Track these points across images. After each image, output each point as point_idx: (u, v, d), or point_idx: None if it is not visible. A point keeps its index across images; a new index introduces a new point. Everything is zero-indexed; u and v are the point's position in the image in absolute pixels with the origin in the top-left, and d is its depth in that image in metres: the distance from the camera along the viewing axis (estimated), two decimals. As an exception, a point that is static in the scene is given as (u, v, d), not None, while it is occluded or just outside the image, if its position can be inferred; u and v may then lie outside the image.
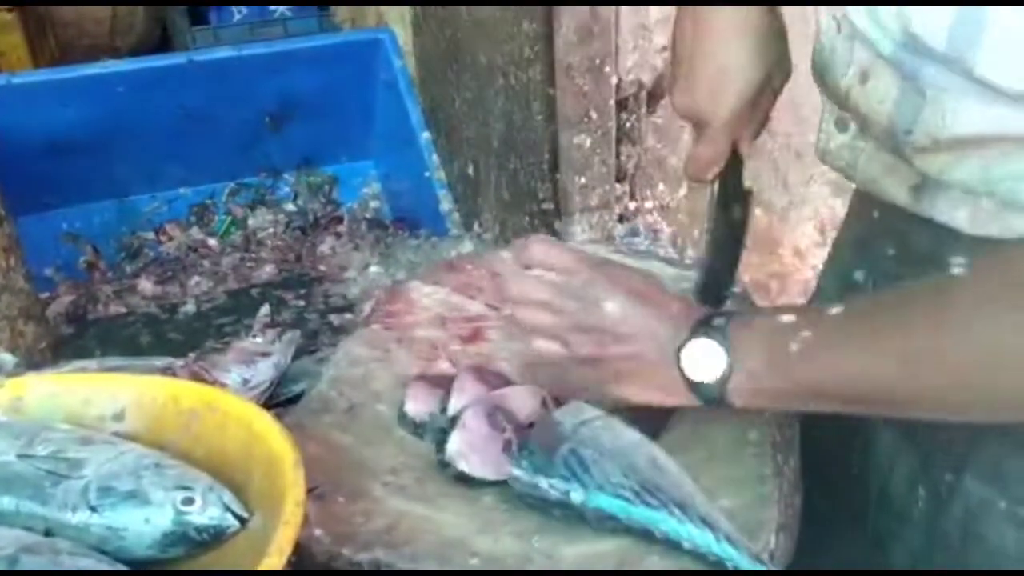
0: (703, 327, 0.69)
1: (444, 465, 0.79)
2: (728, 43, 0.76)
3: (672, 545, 0.67)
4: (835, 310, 0.65)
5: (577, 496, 0.70)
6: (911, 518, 0.78)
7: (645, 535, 0.69)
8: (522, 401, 0.83)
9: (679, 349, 0.69)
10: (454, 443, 0.78)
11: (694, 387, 0.69)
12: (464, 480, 0.78)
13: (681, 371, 0.69)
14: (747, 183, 0.83)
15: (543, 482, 0.71)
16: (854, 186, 0.88)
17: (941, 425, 0.67)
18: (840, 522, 0.82)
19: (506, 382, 0.87)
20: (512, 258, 0.76)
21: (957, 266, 0.62)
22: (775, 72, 0.79)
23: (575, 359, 0.74)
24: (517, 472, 0.72)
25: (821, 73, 0.73)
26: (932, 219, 0.70)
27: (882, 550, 0.82)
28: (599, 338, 0.72)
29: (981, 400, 0.61)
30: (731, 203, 0.82)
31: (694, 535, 0.66)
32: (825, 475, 0.80)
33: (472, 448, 0.78)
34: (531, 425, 0.80)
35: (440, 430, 0.81)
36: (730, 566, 0.65)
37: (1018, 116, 0.60)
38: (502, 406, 0.81)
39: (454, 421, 0.80)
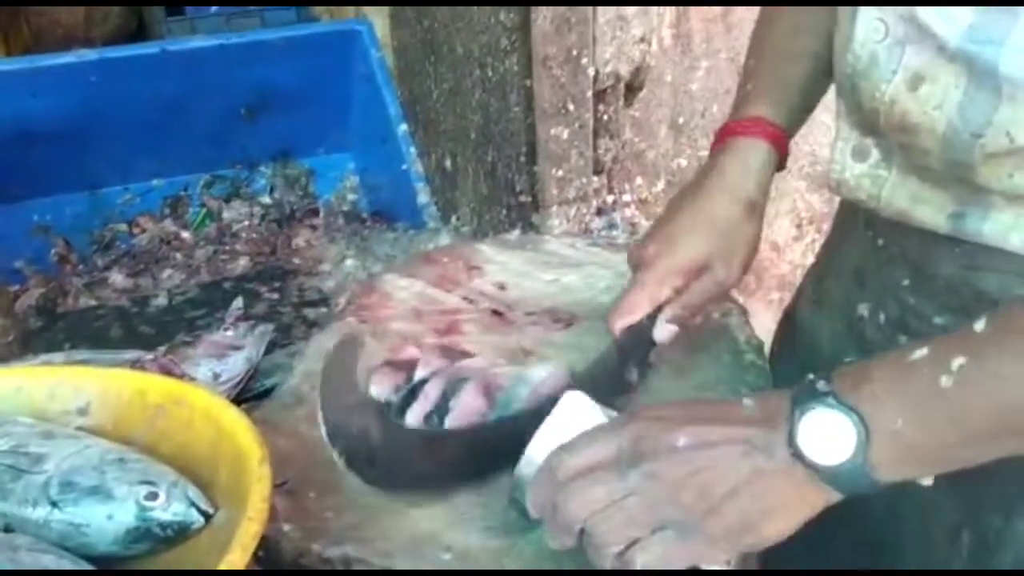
0: (805, 400, 0.58)
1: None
2: (694, 218, 0.82)
3: None
4: (979, 326, 0.55)
5: None
6: (952, 566, 0.74)
7: None
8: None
9: (790, 439, 0.57)
10: (450, 421, 0.77)
11: (828, 475, 0.57)
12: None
13: (805, 463, 0.57)
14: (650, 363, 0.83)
15: None
16: (837, 208, 0.86)
17: (991, 468, 0.60)
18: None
19: (470, 358, 0.87)
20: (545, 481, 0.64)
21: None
22: (718, 266, 0.81)
23: (685, 529, 0.60)
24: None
25: (852, 88, 0.70)
26: (979, 244, 0.66)
27: None
28: (696, 491, 0.59)
29: None
30: (627, 363, 0.82)
31: None
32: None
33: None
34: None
35: (400, 400, 0.81)
36: None
37: None
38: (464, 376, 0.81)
39: (416, 390, 0.80)
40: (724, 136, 0.84)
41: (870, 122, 0.70)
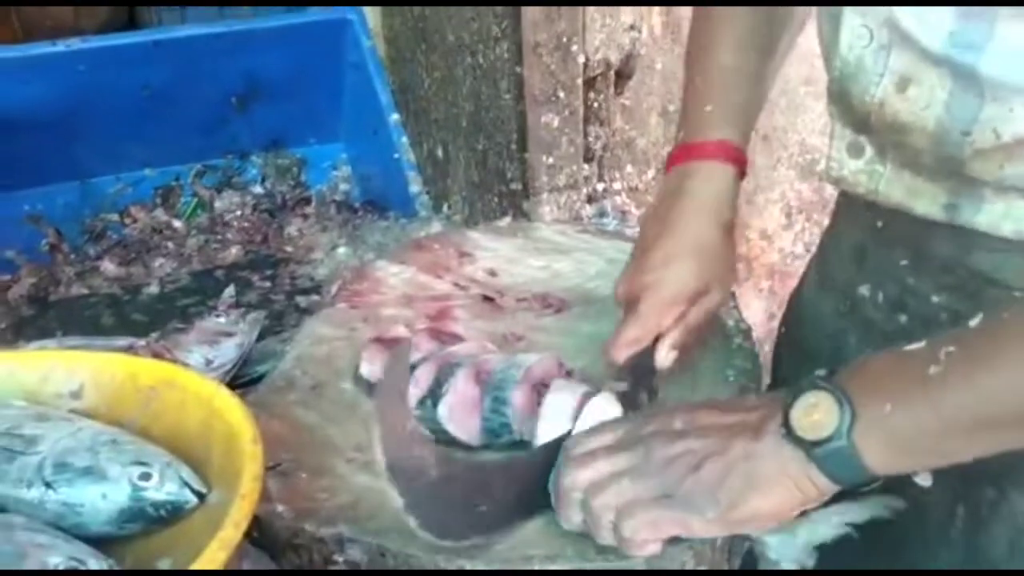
0: (803, 386, 0.61)
1: None
2: (682, 245, 0.82)
3: None
4: (974, 321, 0.58)
5: None
6: (948, 539, 0.75)
7: None
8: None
9: (784, 418, 0.60)
10: (443, 406, 0.78)
11: (815, 456, 0.59)
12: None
13: (793, 440, 0.60)
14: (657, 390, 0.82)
15: None
16: (839, 191, 0.86)
17: None
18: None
19: (460, 341, 0.88)
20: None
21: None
22: (714, 288, 0.83)
23: (672, 498, 0.63)
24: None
25: (842, 91, 0.71)
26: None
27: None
28: (684, 465, 0.62)
29: None
30: (636, 391, 0.80)
31: None
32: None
33: (455, 411, 0.78)
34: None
35: None
36: None
37: None
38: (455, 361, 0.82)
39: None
40: (689, 157, 0.85)
41: (862, 122, 0.71)
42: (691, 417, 0.65)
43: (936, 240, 0.72)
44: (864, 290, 0.81)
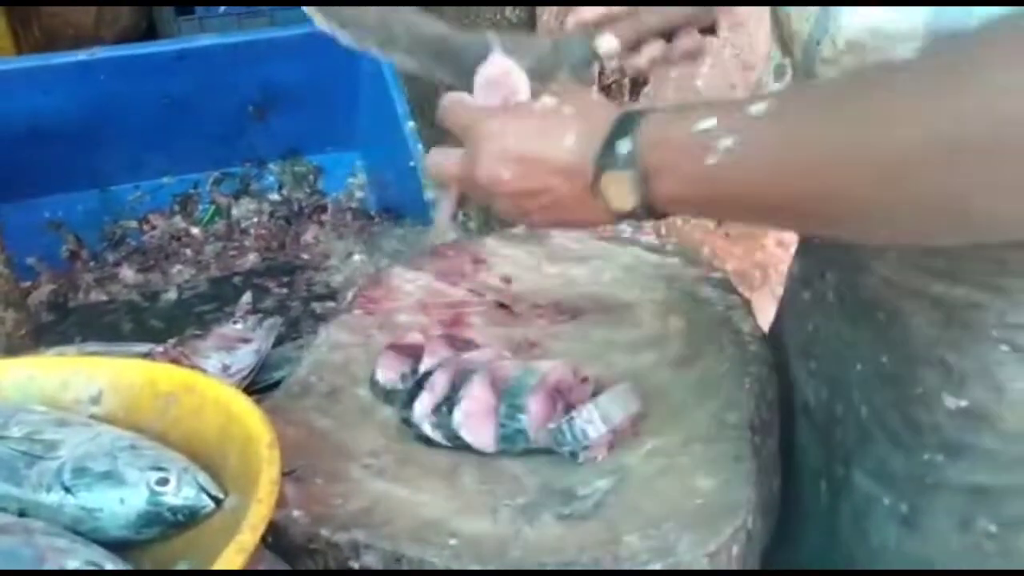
0: (610, 151, 0.64)
1: (408, 425, 0.81)
2: None
3: None
4: (756, 107, 0.59)
5: None
6: (817, 513, 0.77)
7: None
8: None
9: (595, 181, 0.65)
10: (458, 413, 0.78)
11: (614, 213, 0.66)
12: (426, 442, 0.80)
13: (602, 199, 0.65)
14: None
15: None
16: None
17: (837, 419, 0.64)
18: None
19: (476, 348, 0.89)
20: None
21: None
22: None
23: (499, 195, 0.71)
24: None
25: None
26: None
27: (793, 546, 0.81)
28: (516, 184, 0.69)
29: (905, 203, 0.53)
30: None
31: None
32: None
33: (470, 417, 0.79)
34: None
35: (407, 391, 0.82)
36: None
37: (900, 13, 0.58)
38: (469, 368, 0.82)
39: (422, 381, 0.81)
40: None
41: (785, 37, 0.72)
42: (500, 175, 0.69)
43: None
44: (798, 283, 0.85)
